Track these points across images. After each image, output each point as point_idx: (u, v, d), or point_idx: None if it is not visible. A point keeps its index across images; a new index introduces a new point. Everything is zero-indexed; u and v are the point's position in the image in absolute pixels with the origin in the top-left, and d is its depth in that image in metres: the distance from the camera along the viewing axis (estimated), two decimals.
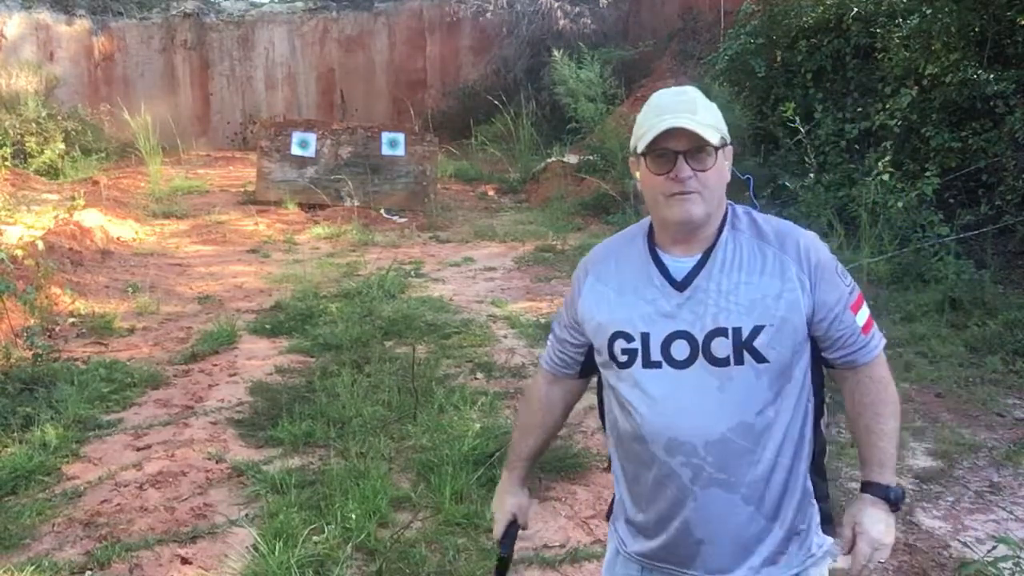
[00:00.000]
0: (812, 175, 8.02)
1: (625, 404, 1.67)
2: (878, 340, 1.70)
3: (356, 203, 10.54)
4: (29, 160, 11.99)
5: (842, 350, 1.66)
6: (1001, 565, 2.75)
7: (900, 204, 7.01)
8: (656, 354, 1.61)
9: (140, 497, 3.72)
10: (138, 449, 4.20)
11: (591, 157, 11.13)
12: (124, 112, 13.00)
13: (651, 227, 1.70)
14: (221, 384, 5.12)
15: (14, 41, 14.54)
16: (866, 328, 1.67)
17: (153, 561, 3.21)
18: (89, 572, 3.15)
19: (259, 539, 3.19)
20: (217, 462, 4.05)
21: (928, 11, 7.66)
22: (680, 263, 1.64)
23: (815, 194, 7.80)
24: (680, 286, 1.62)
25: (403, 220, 10.52)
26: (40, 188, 11.01)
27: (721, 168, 1.61)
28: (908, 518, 3.49)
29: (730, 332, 1.57)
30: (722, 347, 1.58)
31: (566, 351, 1.85)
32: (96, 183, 10.89)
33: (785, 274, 1.60)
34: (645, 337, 1.62)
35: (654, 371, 1.62)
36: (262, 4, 16.78)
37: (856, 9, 8.62)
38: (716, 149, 1.58)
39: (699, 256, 1.63)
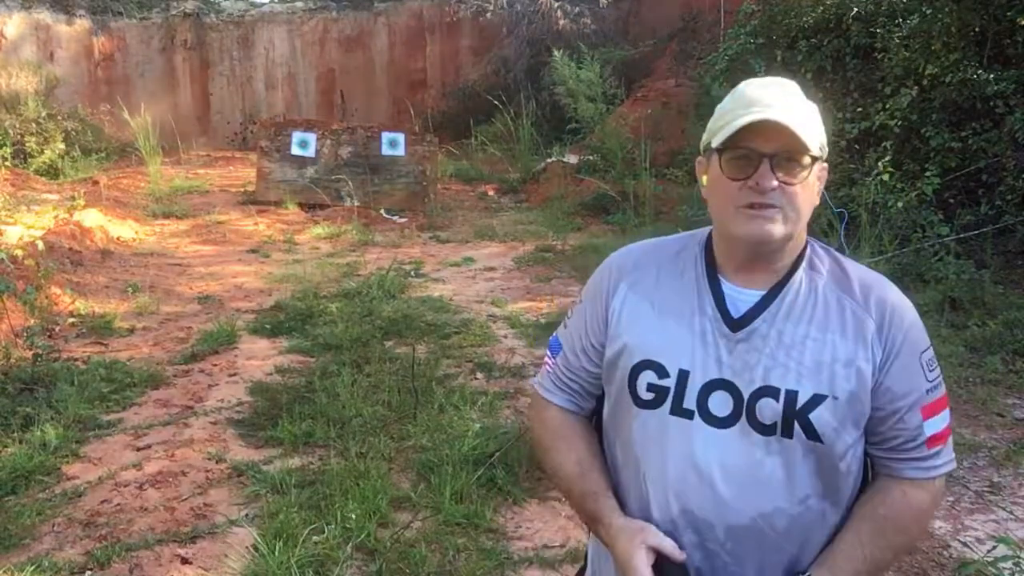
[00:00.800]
0: None
1: (633, 451, 1.35)
2: (943, 462, 1.36)
3: (356, 203, 10.53)
4: (29, 160, 11.99)
5: (890, 454, 1.34)
6: (1001, 565, 2.75)
7: (900, 204, 7.01)
8: (690, 401, 1.30)
9: (140, 497, 3.71)
10: (138, 449, 4.20)
11: (591, 157, 11.12)
12: (124, 112, 13.00)
13: (709, 240, 1.40)
14: (221, 384, 5.12)
15: (14, 41, 14.55)
16: (933, 441, 1.34)
17: (153, 561, 3.21)
18: (89, 572, 3.15)
19: (259, 539, 3.19)
20: (217, 462, 4.05)
21: (928, 11, 7.66)
22: (741, 295, 1.33)
23: None
24: (735, 324, 1.31)
25: (403, 220, 10.52)
26: (40, 188, 11.01)
27: (812, 186, 1.30)
28: None
29: (783, 395, 1.26)
30: (769, 411, 1.27)
31: (581, 380, 1.47)
32: (96, 183, 10.90)
33: (863, 338, 1.28)
34: (683, 376, 1.30)
35: (683, 421, 1.30)
36: (262, 4, 16.78)
37: (856, 9, 8.62)
38: (813, 160, 1.28)
39: (764, 292, 1.32)
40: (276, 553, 3.07)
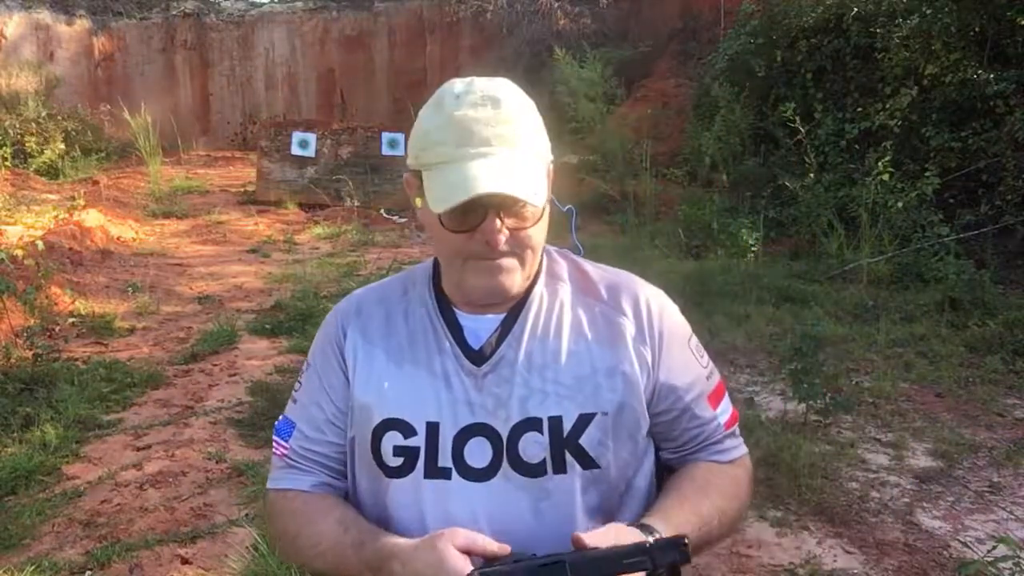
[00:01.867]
0: (812, 175, 8.03)
1: (392, 527, 1.13)
2: (739, 443, 1.26)
3: (356, 203, 10.54)
4: (29, 160, 12.01)
5: (690, 449, 1.21)
6: (1001, 565, 2.75)
7: (900, 204, 7.03)
8: (445, 458, 1.10)
9: (140, 497, 3.72)
10: (138, 449, 4.20)
11: (591, 157, 11.13)
12: (124, 112, 13.01)
13: (436, 272, 1.22)
14: (221, 384, 5.12)
15: (14, 41, 14.55)
16: (729, 424, 1.23)
17: (153, 561, 3.21)
18: (89, 572, 3.15)
19: (259, 539, 3.19)
20: (217, 462, 4.05)
21: (928, 11, 7.67)
22: (479, 323, 1.16)
23: (815, 194, 7.81)
24: (478, 356, 1.14)
25: (403, 220, 10.52)
26: (40, 188, 11.02)
27: (544, 216, 1.13)
28: (908, 518, 3.49)
29: (546, 424, 1.10)
30: (535, 447, 1.09)
31: (327, 457, 1.21)
32: (96, 183, 10.90)
33: (620, 341, 1.15)
34: (433, 430, 1.11)
35: (440, 484, 1.10)
36: (262, 4, 16.79)
37: (856, 9, 8.63)
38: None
39: (503, 316, 1.16)
40: (276, 553, 3.07)
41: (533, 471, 1.10)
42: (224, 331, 5.92)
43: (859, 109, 8.33)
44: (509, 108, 1.08)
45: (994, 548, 2.87)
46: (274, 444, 1.26)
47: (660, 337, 1.17)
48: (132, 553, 3.24)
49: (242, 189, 11.70)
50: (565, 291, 1.20)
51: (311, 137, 11.15)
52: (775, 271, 7.04)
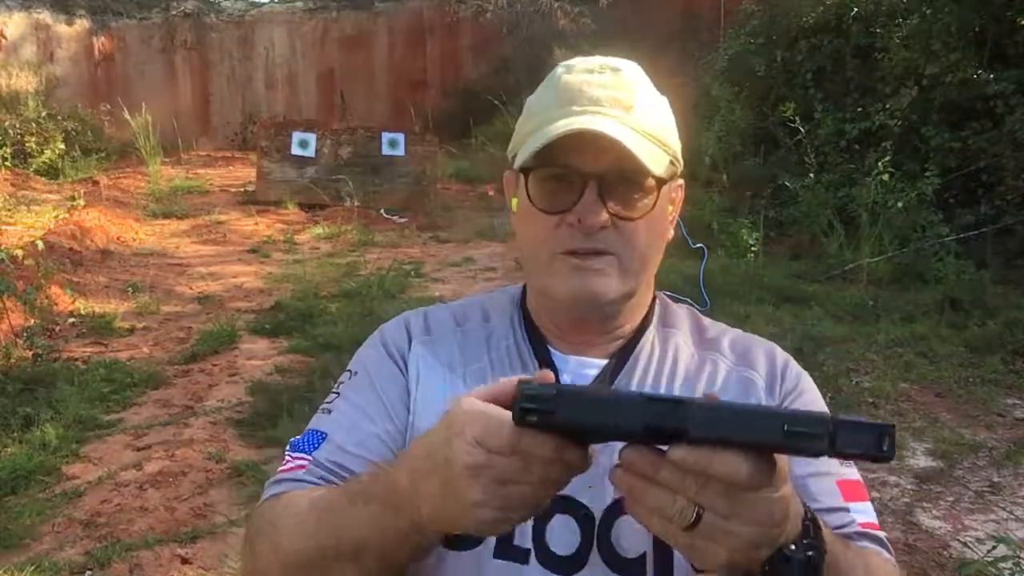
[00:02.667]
0: (812, 175, 8.03)
1: None
2: (888, 554, 0.91)
3: (356, 203, 10.53)
4: (29, 160, 12.00)
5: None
6: (1001, 565, 2.75)
7: (900, 204, 7.03)
8: (523, 536, 0.90)
9: (140, 497, 3.72)
10: (138, 449, 4.20)
11: None
12: (124, 112, 13.00)
13: (525, 297, 1.03)
14: (221, 384, 5.12)
15: (14, 41, 14.55)
16: (866, 525, 0.92)
17: (153, 561, 3.21)
18: (89, 572, 3.15)
19: None
20: (217, 462, 4.05)
21: (928, 11, 7.67)
22: (579, 368, 0.97)
23: (815, 194, 7.81)
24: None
25: (403, 220, 10.52)
26: (40, 188, 11.01)
27: (660, 217, 0.94)
28: (908, 518, 3.49)
29: None
30: (635, 536, 0.88)
31: None
32: (96, 183, 10.90)
33: (748, 395, 0.96)
34: None
35: (513, 568, 0.90)
36: (262, 4, 16.79)
37: (856, 9, 8.63)
38: (659, 182, 0.91)
39: (607, 361, 0.97)
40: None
41: (630, 568, 0.88)
42: (224, 331, 5.92)
43: (859, 109, 8.33)
44: (634, 77, 0.94)
45: (994, 548, 2.87)
46: (285, 459, 0.98)
47: (794, 392, 0.97)
48: (132, 553, 3.24)
49: (242, 189, 11.70)
50: (682, 339, 1.01)
51: (311, 137, 11.15)
52: (775, 271, 7.04)
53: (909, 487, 3.74)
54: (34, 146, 12.14)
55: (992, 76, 7.21)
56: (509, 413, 0.64)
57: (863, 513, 0.92)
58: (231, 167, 13.84)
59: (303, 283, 7.34)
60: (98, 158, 12.98)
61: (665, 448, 0.62)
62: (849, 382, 4.83)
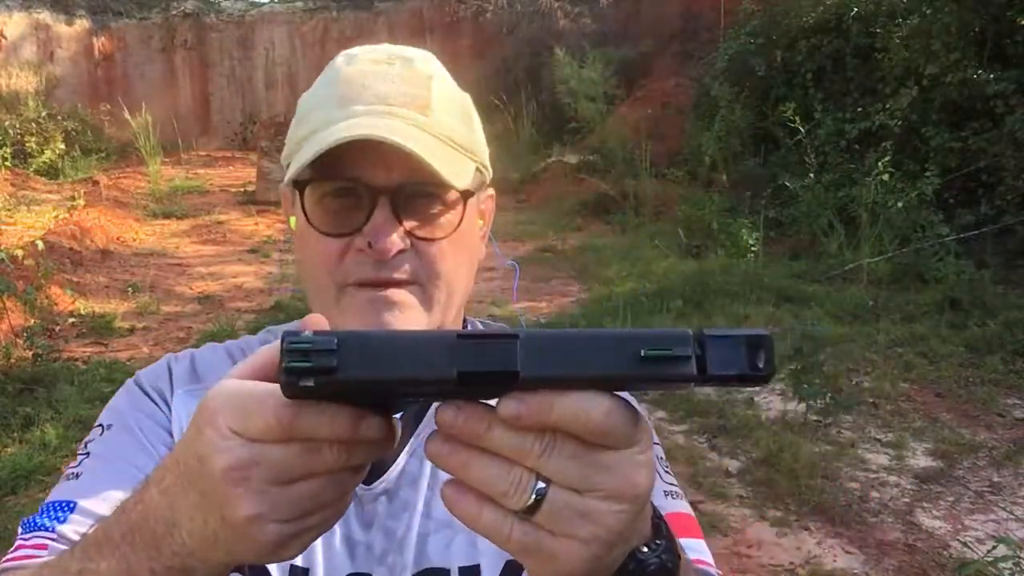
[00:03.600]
0: (812, 175, 8.03)
1: None
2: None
3: None
4: (29, 160, 12.01)
5: None
6: (1001, 565, 2.75)
7: (900, 204, 7.03)
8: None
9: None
10: None
11: (591, 157, 11.13)
12: (124, 112, 13.01)
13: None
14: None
15: (14, 41, 14.55)
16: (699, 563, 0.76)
17: None
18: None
19: None
20: None
21: (928, 11, 7.68)
22: None
23: (815, 194, 7.81)
24: (368, 476, 0.74)
25: None
26: (40, 188, 11.02)
27: (468, 234, 0.80)
28: (908, 518, 3.49)
29: None
30: (453, 549, 0.77)
31: None
32: (96, 183, 10.90)
33: None
34: None
35: None
36: (262, 4, 16.79)
37: (856, 9, 8.63)
38: (464, 195, 0.77)
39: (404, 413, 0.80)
40: None
41: None
42: (224, 331, 5.92)
43: (859, 109, 8.33)
44: (427, 69, 0.80)
45: (994, 548, 2.87)
46: (16, 544, 0.73)
47: None
48: None
49: (242, 189, 11.71)
50: None
51: None
52: (775, 271, 7.04)
53: (909, 487, 3.74)
54: (34, 146, 12.15)
55: (992, 76, 7.21)
56: (276, 386, 0.46)
57: (696, 551, 0.76)
58: (231, 167, 13.84)
59: (303, 283, 7.34)
60: (98, 158, 12.99)
61: (494, 403, 0.46)
62: (849, 382, 4.83)
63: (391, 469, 0.79)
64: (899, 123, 7.71)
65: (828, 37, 9.01)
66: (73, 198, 8.31)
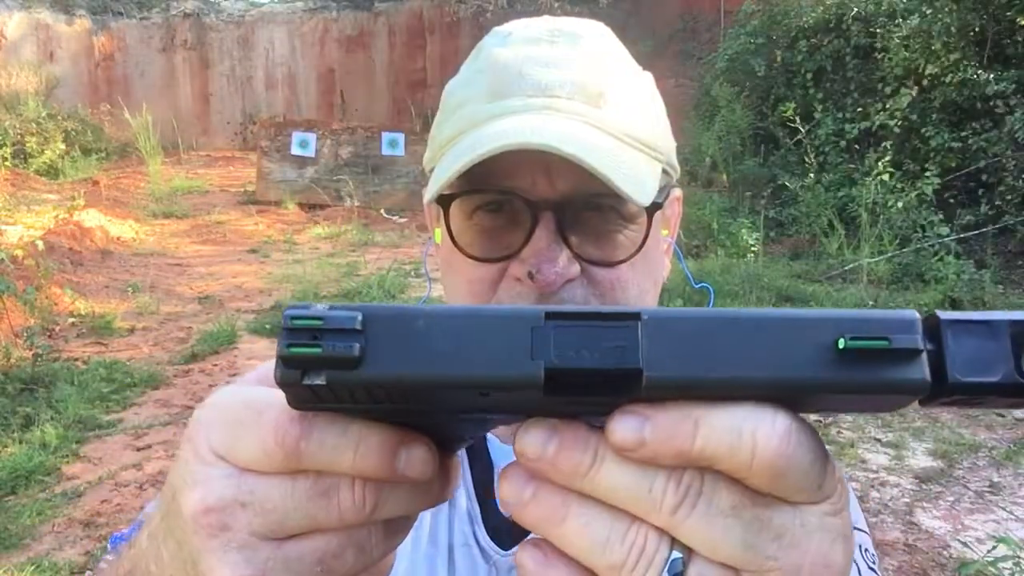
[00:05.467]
0: (812, 175, 8.03)
1: None
2: None
3: (356, 203, 10.53)
4: (29, 160, 12.00)
5: None
6: (1001, 565, 2.75)
7: (900, 204, 7.03)
8: None
9: (140, 497, 3.71)
10: (138, 449, 4.20)
11: None
12: (124, 112, 13.01)
13: None
14: (221, 384, 5.11)
15: (14, 41, 14.55)
16: None
17: None
18: (89, 572, 3.15)
19: None
20: None
21: (928, 11, 7.67)
22: None
23: (815, 194, 7.81)
24: (509, 531, 0.67)
25: (403, 220, 10.52)
26: (40, 188, 11.02)
27: (652, 254, 0.67)
28: (908, 518, 3.49)
29: None
30: None
31: None
32: (96, 183, 10.90)
33: None
34: None
35: None
36: (262, 4, 16.79)
37: (856, 9, 8.63)
38: (647, 210, 0.62)
39: None
40: None
41: None
42: (224, 331, 5.92)
43: (859, 109, 8.34)
44: (598, 49, 0.66)
45: (994, 548, 2.87)
46: (100, 564, 0.59)
47: None
48: None
49: (242, 189, 11.70)
50: None
51: (311, 137, 11.15)
52: (775, 271, 7.04)
53: (909, 487, 3.74)
54: (34, 146, 12.14)
55: (992, 76, 7.21)
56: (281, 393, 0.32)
57: None
58: (231, 167, 13.84)
59: (303, 283, 7.34)
60: (98, 158, 12.98)
61: (602, 423, 0.30)
62: None
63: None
64: (899, 123, 7.72)
65: (828, 37, 9.02)
66: (73, 198, 8.30)
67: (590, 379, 0.29)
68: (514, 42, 0.65)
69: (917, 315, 0.29)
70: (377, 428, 0.32)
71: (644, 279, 0.64)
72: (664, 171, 0.66)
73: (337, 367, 0.29)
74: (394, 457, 0.32)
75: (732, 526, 0.29)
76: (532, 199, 0.60)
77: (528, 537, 0.32)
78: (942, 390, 0.29)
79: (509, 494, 0.31)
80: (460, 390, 0.29)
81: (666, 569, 0.29)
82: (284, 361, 0.30)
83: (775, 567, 0.29)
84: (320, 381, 0.29)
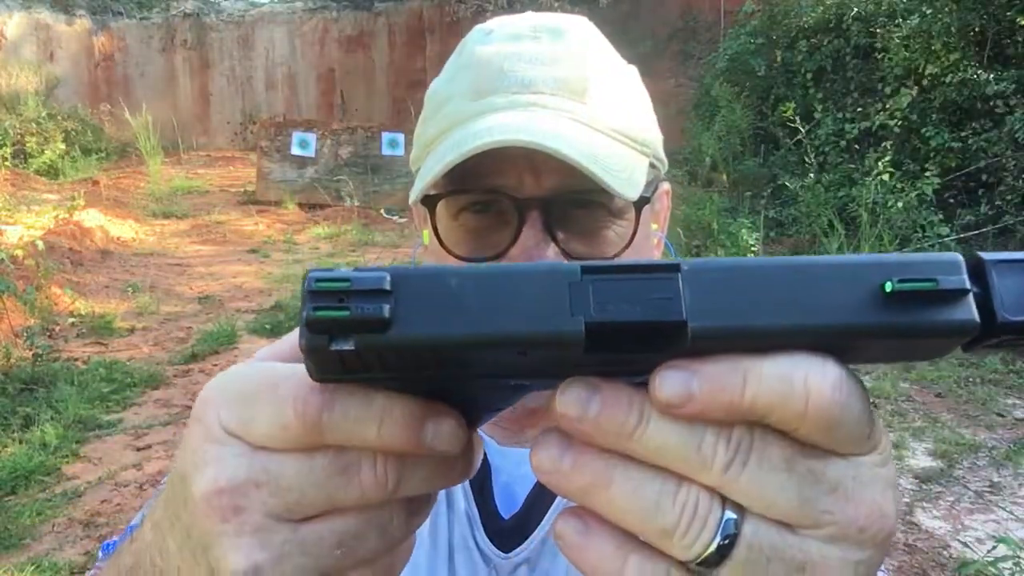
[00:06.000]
0: (812, 175, 8.03)
1: None
2: None
3: (356, 203, 10.54)
4: (29, 160, 12.00)
5: None
6: (1001, 565, 2.75)
7: (900, 204, 7.03)
8: None
9: (140, 497, 3.71)
10: (138, 449, 4.20)
11: None
12: (124, 112, 13.01)
13: None
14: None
15: (14, 41, 14.55)
16: None
17: None
18: (89, 572, 3.15)
19: None
20: None
21: (928, 11, 7.67)
22: (519, 471, 0.68)
23: (815, 194, 7.81)
24: (510, 532, 0.66)
25: (403, 220, 10.52)
26: (40, 188, 11.01)
27: (641, 249, 0.66)
28: (908, 518, 3.49)
29: None
30: None
31: None
32: (96, 183, 10.90)
33: None
34: None
35: None
36: (262, 4, 16.79)
37: (856, 9, 8.63)
38: (638, 203, 0.62)
39: None
40: None
41: None
42: (224, 331, 5.92)
43: (859, 109, 8.34)
44: (582, 41, 0.64)
45: (994, 548, 2.87)
46: (92, 570, 0.67)
47: None
48: None
49: (242, 189, 11.70)
50: None
51: (311, 137, 11.15)
52: None
53: (909, 487, 3.74)
54: (34, 146, 12.14)
55: (992, 76, 7.21)
56: (302, 366, 0.30)
57: None
58: (231, 167, 13.84)
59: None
60: (98, 158, 12.98)
61: (643, 380, 0.29)
62: None
63: (535, 532, 0.63)
64: (899, 123, 7.72)
65: (828, 37, 9.02)
66: (73, 198, 8.30)
67: (633, 333, 0.27)
68: (497, 39, 0.64)
69: (960, 256, 0.29)
70: (403, 399, 0.30)
71: None
72: (651, 165, 0.67)
73: (367, 330, 0.27)
74: (421, 430, 0.30)
75: (786, 481, 0.28)
76: (519, 197, 0.60)
77: (565, 506, 0.30)
78: (991, 331, 0.28)
79: (545, 462, 0.29)
80: (497, 349, 0.28)
81: (719, 531, 0.28)
82: (310, 325, 0.27)
83: (831, 520, 0.28)
84: (349, 346, 0.27)
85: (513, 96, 0.60)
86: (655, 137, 0.68)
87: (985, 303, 0.28)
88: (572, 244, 0.61)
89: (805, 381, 0.27)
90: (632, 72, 0.70)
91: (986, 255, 0.29)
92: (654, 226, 0.70)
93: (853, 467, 0.29)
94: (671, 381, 0.27)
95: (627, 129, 0.63)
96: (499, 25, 0.66)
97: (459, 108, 0.62)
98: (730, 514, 0.28)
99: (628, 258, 0.63)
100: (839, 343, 0.28)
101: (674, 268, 0.28)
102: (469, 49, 0.66)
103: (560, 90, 0.61)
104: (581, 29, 0.66)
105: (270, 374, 0.32)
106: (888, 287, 0.27)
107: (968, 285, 0.28)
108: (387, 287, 0.28)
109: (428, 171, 0.61)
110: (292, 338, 0.35)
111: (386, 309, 0.27)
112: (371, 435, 0.30)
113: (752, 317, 0.27)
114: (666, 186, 0.73)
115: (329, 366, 0.28)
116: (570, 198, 0.60)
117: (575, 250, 0.61)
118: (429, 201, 0.63)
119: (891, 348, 0.29)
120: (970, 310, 0.27)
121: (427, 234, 0.68)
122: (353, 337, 0.27)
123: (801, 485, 0.28)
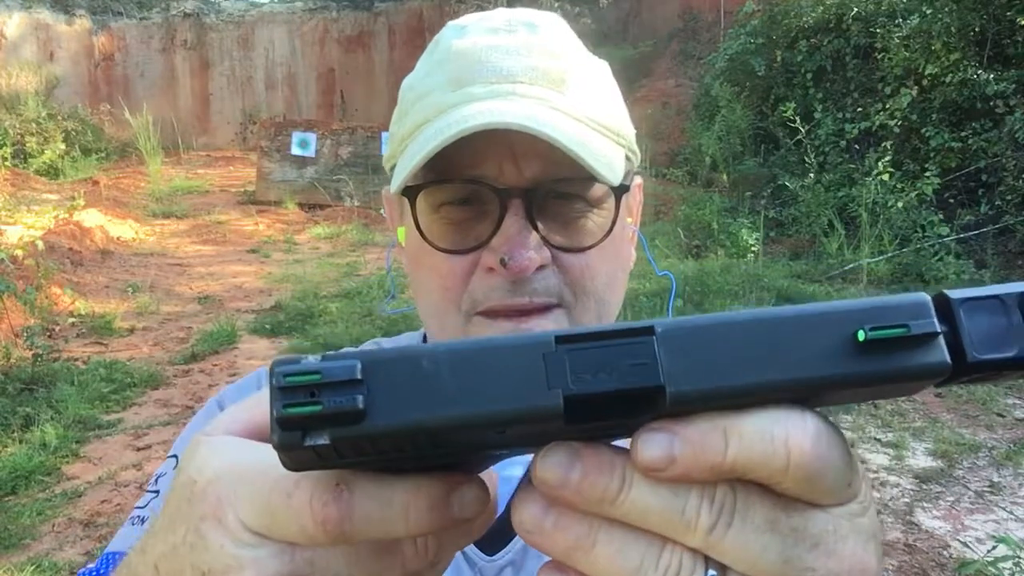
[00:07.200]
0: (812, 175, 8.04)
1: None
2: None
3: (356, 203, 10.54)
4: (29, 160, 12.01)
5: None
6: (1001, 565, 2.75)
7: (900, 204, 7.04)
8: None
9: (139, 497, 3.72)
10: (138, 449, 4.20)
11: None
12: (124, 112, 13.01)
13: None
14: (221, 384, 5.11)
15: (14, 41, 14.55)
16: None
17: None
18: None
19: None
20: None
21: (928, 11, 7.68)
22: (500, 466, 0.47)
23: (815, 194, 7.81)
24: (492, 535, 0.62)
25: None
26: (40, 188, 11.02)
27: (619, 240, 0.66)
28: (908, 518, 3.49)
29: None
30: None
31: None
32: (96, 183, 10.90)
33: None
34: None
35: None
36: (262, 4, 16.79)
37: (856, 9, 8.63)
38: (617, 190, 0.62)
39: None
40: None
41: None
42: (224, 331, 5.92)
43: (859, 109, 8.34)
44: (556, 35, 0.65)
45: (994, 548, 2.87)
46: None
47: None
48: None
49: (242, 189, 11.71)
50: None
51: (311, 137, 11.15)
52: (775, 271, 7.04)
53: (909, 487, 3.74)
54: (34, 146, 12.15)
55: (992, 76, 7.22)
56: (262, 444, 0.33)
57: None
58: (231, 167, 13.84)
59: (303, 283, 7.34)
60: (98, 158, 12.99)
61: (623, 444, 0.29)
62: None
63: (517, 537, 0.62)
64: (899, 123, 7.72)
65: (828, 37, 9.02)
66: (73, 198, 8.31)
67: (611, 402, 0.27)
68: (472, 33, 0.65)
69: (928, 297, 0.29)
70: (420, 485, 0.30)
71: (613, 265, 0.64)
72: (627, 157, 0.67)
73: (341, 423, 0.27)
74: (447, 508, 0.30)
75: (770, 541, 0.28)
76: (500, 187, 0.60)
77: (547, 561, 0.30)
78: (962, 370, 0.28)
79: (527, 521, 0.29)
80: (475, 429, 0.27)
81: None
82: (282, 423, 0.27)
83: (816, 566, 0.28)
84: (323, 440, 0.27)
85: (493, 85, 0.61)
86: (629, 130, 0.68)
87: (955, 343, 0.28)
88: (552, 235, 0.61)
89: (786, 438, 0.27)
90: (604, 66, 0.70)
91: (953, 293, 0.29)
92: (628, 220, 0.71)
93: (834, 520, 0.29)
94: (652, 445, 0.27)
95: (604, 119, 0.64)
96: (473, 21, 0.67)
97: (438, 99, 0.62)
98: (713, 573, 0.28)
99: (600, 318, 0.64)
100: (815, 393, 0.29)
101: (648, 331, 0.28)
102: (444, 44, 0.66)
103: (539, 79, 0.61)
104: (555, 23, 0.67)
105: (275, 480, 0.31)
106: (861, 336, 0.28)
107: (938, 327, 0.28)
108: (359, 376, 0.27)
109: (409, 160, 0.60)
110: (255, 408, 0.35)
111: (360, 400, 0.27)
112: (400, 529, 0.30)
113: (729, 376, 0.27)
114: (639, 179, 0.74)
115: (304, 461, 0.28)
116: (551, 187, 0.61)
117: (556, 240, 0.61)
118: (410, 192, 0.63)
119: (864, 392, 0.29)
120: (942, 352, 0.28)
121: (403, 232, 0.69)
122: (327, 431, 0.27)
123: (784, 544, 0.28)
